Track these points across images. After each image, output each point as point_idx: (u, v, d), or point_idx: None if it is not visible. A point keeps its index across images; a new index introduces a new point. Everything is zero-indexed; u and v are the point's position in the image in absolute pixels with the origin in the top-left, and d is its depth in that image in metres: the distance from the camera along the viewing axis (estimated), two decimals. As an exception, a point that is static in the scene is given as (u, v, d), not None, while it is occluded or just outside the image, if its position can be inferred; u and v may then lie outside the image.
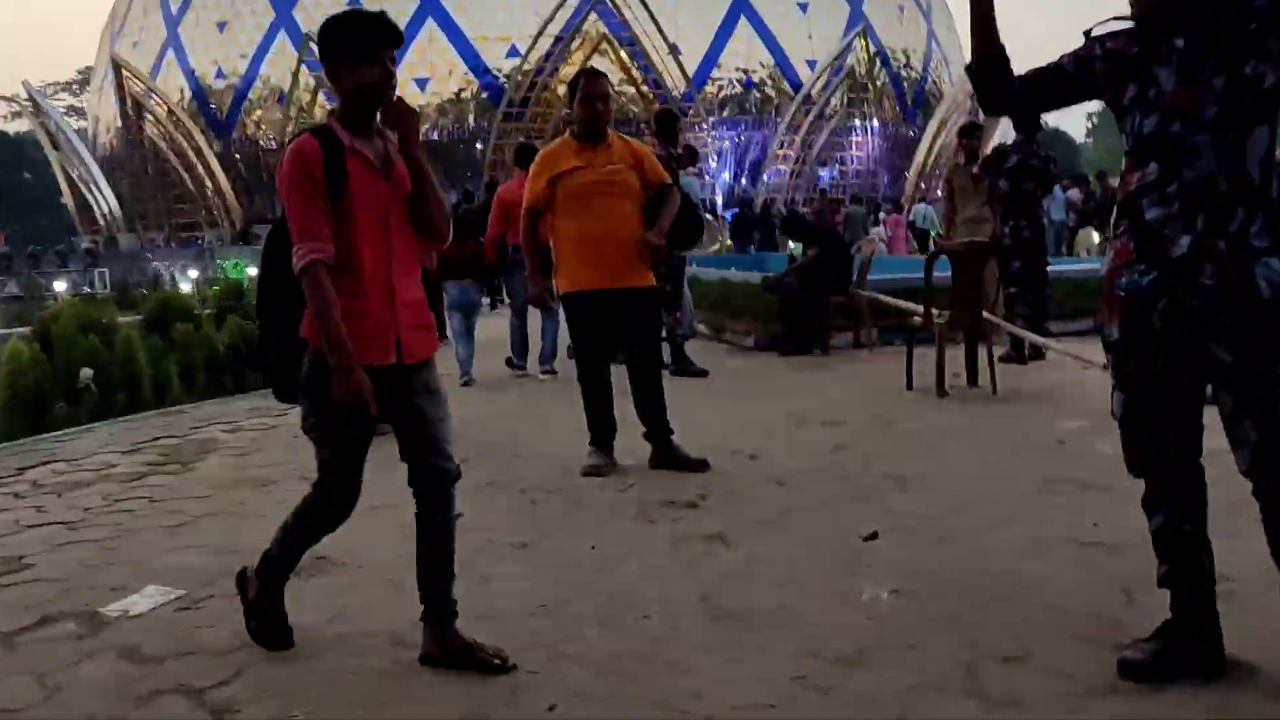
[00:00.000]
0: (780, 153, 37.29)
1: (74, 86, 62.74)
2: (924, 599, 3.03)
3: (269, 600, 2.91)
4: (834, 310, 8.55)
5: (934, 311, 6.33)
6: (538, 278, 4.97)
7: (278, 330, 2.76)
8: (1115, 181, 12.40)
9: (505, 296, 10.29)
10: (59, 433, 6.27)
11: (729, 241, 23.42)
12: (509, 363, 8.27)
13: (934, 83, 43.95)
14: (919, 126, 41.80)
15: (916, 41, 43.41)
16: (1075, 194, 17.99)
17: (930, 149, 40.42)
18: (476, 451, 5.17)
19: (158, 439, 5.97)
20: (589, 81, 4.66)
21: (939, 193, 39.03)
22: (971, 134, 8.82)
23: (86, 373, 7.00)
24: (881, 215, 23.10)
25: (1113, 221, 2.55)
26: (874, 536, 3.61)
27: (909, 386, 6.50)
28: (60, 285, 17.68)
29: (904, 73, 42.62)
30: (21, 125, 54.74)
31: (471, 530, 3.91)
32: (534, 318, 7.93)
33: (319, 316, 2.50)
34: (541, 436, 5.69)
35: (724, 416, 5.93)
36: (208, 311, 15.78)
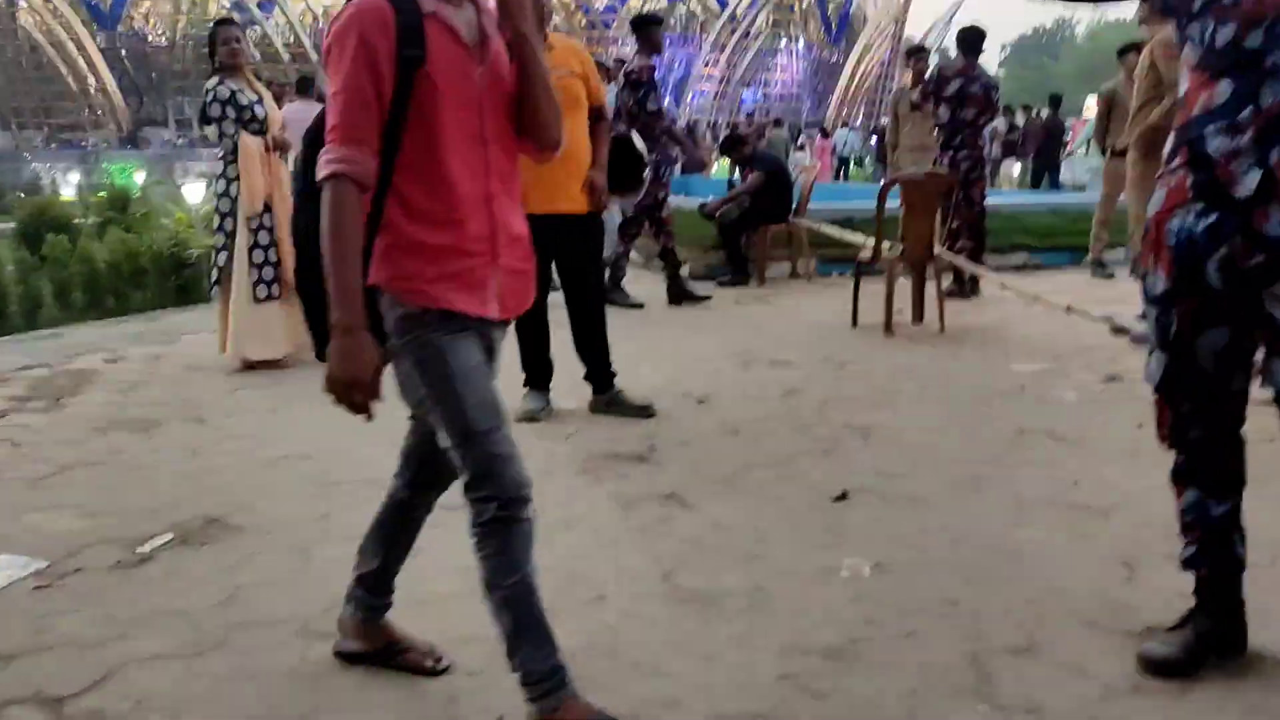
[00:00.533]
0: (706, 72, 36.51)
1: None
2: (911, 575, 2.71)
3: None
4: (771, 239, 8.17)
5: (884, 244, 5.98)
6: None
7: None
8: (1038, 114, 11.99)
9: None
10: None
11: None
12: None
13: (859, 6, 43.45)
14: (843, 50, 41.41)
15: (842, -38, 42.74)
16: (1000, 124, 17.88)
17: (853, 74, 40.14)
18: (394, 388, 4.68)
19: (25, 368, 5.27)
20: None
21: (856, 121, 39.03)
22: (919, 55, 8.42)
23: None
24: (802, 139, 22.69)
25: (1166, 152, 2.17)
26: (844, 497, 3.28)
27: (854, 323, 6.18)
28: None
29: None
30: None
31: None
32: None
33: (331, 253, 1.77)
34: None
35: (665, 353, 5.52)
36: (92, 220, 14.70)
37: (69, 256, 7.19)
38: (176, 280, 7.61)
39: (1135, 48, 8.10)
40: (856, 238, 7.20)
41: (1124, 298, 6.69)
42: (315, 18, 36.44)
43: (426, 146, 1.83)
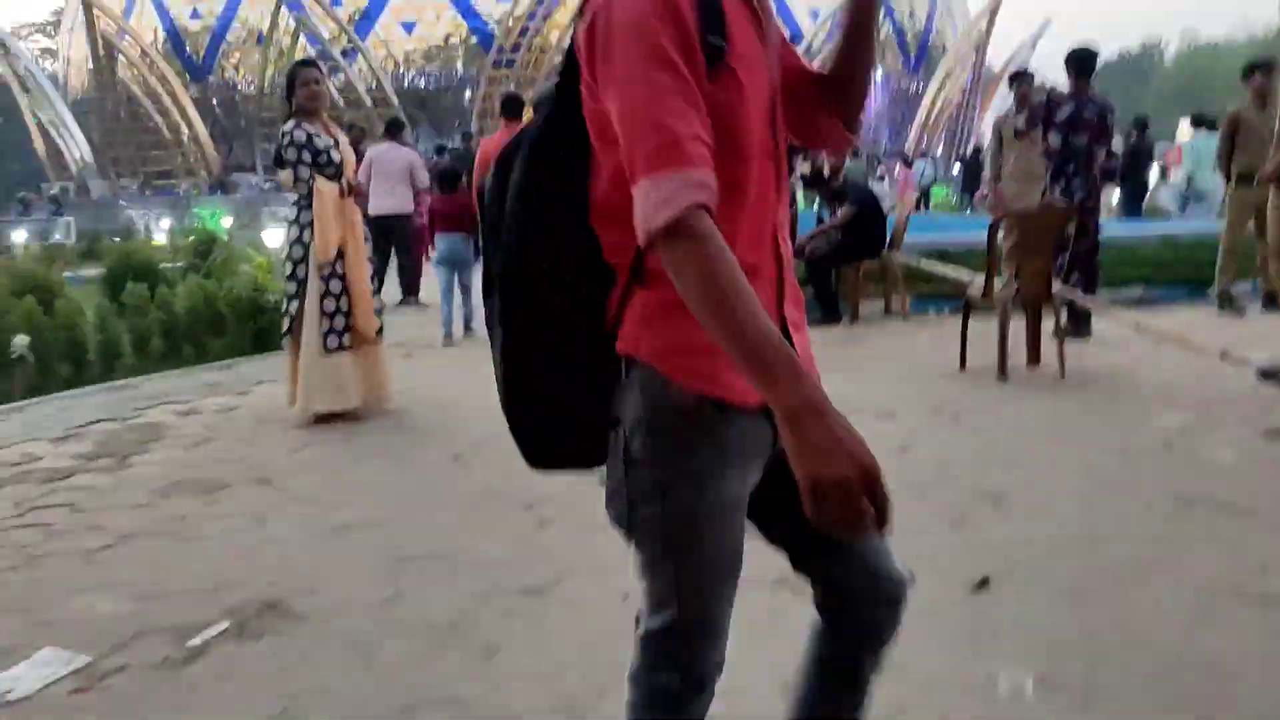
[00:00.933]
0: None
1: (48, 28, 60.62)
2: (1084, 694, 2.24)
3: None
4: (863, 275, 7.72)
5: (996, 281, 5.49)
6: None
7: (546, 348, 1.37)
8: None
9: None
10: (-17, 413, 5.41)
11: None
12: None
13: (938, 34, 42.73)
14: (922, 80, 40.71)
15: (920, -8, 42.13)
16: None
17: (933, 103, 39.37)
18: (475, 445, 4.37)
19: (95, 422, 5.11)
20: None
21: (937, 151, 38.22)
22: (1022, 81, 7.93)
23: (20, 340, 6.13)
24: (881, 169, 22.10)
25: None
26: (985, 584, 2.82)
27: (962, 366, 5.69)
28: (19, 235, 16.51)
29: (907, 24, 41.38)
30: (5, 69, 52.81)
31: (465, 561, 3.13)
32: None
33: (733, 314, 1.10)
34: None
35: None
36: (179, 264, 14.87)
37: (150, 304, 7.07)
38: (255, 325, 7.45)
39: (1262, 68, 7.49)
40: (960, 273, 6.71)
41: (1260, 336, 6.09)
42: (397, 63, 37.20)
43: (721, 167, 1.18)
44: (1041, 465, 3.98)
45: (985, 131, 44.87)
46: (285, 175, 5.05)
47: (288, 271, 5.01)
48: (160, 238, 22.04)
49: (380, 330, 5.21)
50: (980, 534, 3.24)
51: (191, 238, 16.24)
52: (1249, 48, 54.45)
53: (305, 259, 4.91)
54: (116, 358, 6.78)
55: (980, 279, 5.78)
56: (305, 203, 4.91)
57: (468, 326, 7.49)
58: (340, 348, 4.94)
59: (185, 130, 36.32)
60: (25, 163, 42.64)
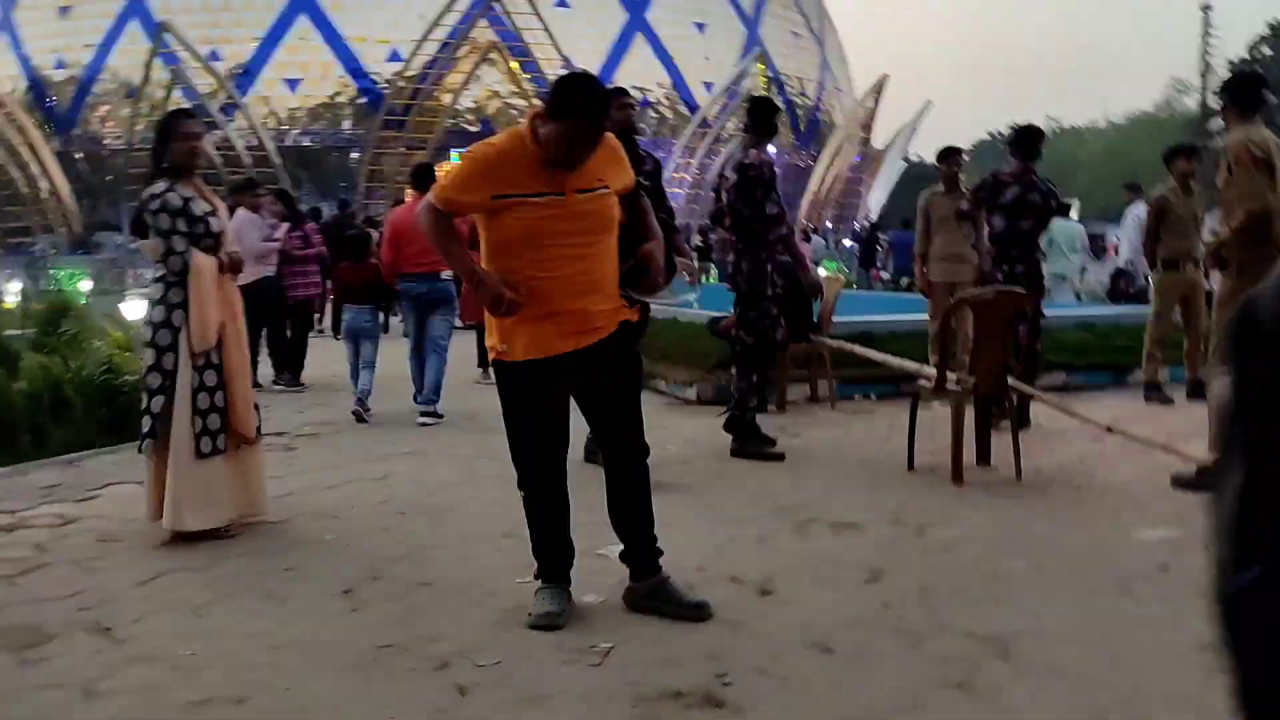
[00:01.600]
0: (676, 176, 36.35)
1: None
2: None
3: None
4: (789, 359, 7.28)
5: (950, 375, 5.08)
6: (484, 278, 3.09)
7: None
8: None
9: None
10: None
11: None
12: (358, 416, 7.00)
13: (826, 111, 43.98)
14: (812, 155, 41.68)
15: (810, 69, 43.40)
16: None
17: (823, 178, 40.29)
18: (369, 574, 3.65)
19: (-108, 544, 4.14)
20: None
21: (826, 224, 39.00)
22: (950, 159, 7.72)
23: None
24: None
25: None
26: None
27: (910, 466, 5.25)
28: None
29: (798, 100, 42.46)
30: None
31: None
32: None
33: None
34: (458, 543, 4.16)
35: (693, 512, 4.52)
36: (29, 332, 13.46)
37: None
38: (106, 413, 6.48)
39: (1185, 152, 7.46)
40: (898, 362, 6.32)
41: (1197, 427, 5.82)
42: (280, 121, 35.97)
43: None
44: (1032, 596, 3.49)
45: (873, 207, 46.23)
46: (151, 245, 4.27)
47: (149, 360, 4.19)
48: (11, 300, 20.29)
49: (259, 428, 4.45)
50: (999, 701, 2.69)
51: (42, 305, 14.87)
52: (1109, 131, 58.09)
53: (174, 346, 4.13)
54: (-65, 453, 5.74)
55: (928, 369, 5.38)
56: (175, 279, 4.15)
57: (365, 408, 6.99)
58: (215, 451, 4.16)
59: (45, 185, 34.12)
60: None
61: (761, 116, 5.65)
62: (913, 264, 8.84)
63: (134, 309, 8.91)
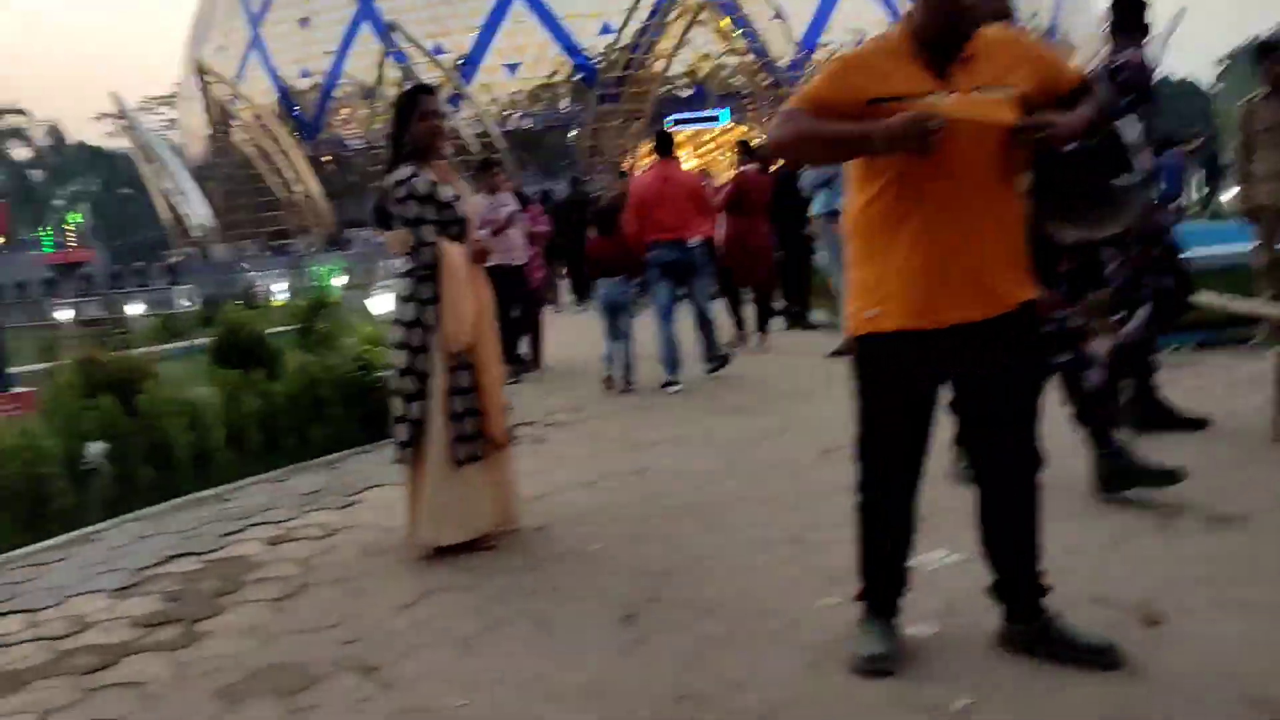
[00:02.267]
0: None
1: (174, 100, 63.42)
2: None
3: None
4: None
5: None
6: (886, 123, 2.27)
7: None
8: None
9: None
10: (42, 546, 4.45)
11: None
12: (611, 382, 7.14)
13: (1063, 33, 40.28)
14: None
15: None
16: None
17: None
18: (646, 594, 3.16)
19: (170, 559, 4.10)
20: None
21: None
22: (1272, 54, 6.36)
23: (95, 449, 5.21)
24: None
25: None
26: None
27: (1277, 435, 4.22)
28: (136, 307, 16.28)
29: (1030, 24, 39.07)
30: (126, 142, 55.29)
31: None
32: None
33: None
34: (739, 551, 3.61)
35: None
36: (292, 327, 14.23)
37: (249, 390, 6.14)
38: (361, 410, 6.44)
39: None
40: (1246, 303, 5.22)
41: None
42: (501, 106, 36.98)
43: None
44: None
45: (1123, 131, 41.76)
46: (398, 237, 3.88)
47: (402, 363, 3.82)
48: (280, 297, 21.88)
49: (511, 430, 4.09)
50: None
51: (304, 301, 15.74)
52: None
53: (426, 346, 3.79)
54: (209, 458, 5.84)
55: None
56: (425, 272, 3.80)
57: (628, 382, 7.09)
58: (472, 458, 3.82)
59: (299, 189, 36.80)
60: (158, 231, 44.09)
61: (1129, 9, 4.48)
62: (1182, 190, 7.55)
63: (379, 303, 9.01)
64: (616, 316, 7.12)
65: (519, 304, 7.90)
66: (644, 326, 7.35)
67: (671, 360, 6.99)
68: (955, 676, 2.55)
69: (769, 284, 9.11)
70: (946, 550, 3.25)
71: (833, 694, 2.53)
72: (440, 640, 3.06)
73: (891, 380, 2.51)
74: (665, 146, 7.37)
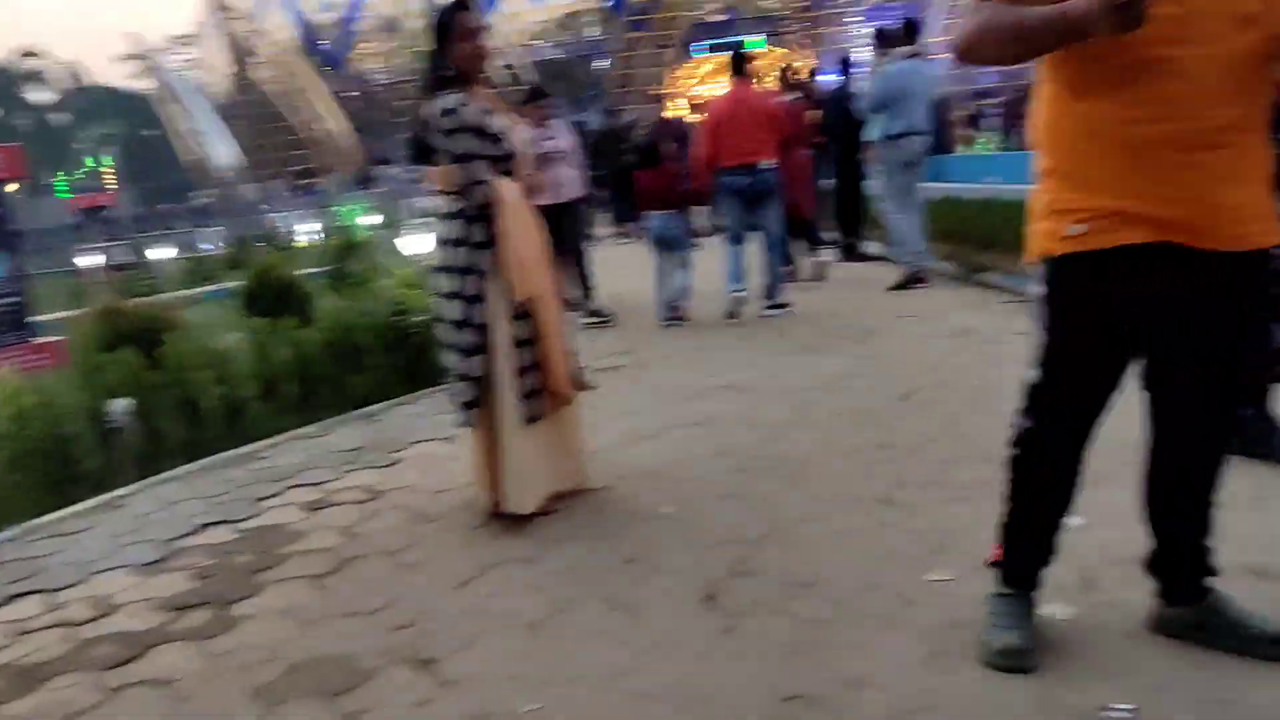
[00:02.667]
0: (941, 39, 33.10)
1: (196, 39, 62.58)
2: None
3: None
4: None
5: None
6: None
7: None
8: None
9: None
10: (66, 513, 4.16)
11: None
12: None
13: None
14: None
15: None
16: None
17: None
18: (731, 567, 2.78)
19: (200, 529, 3.78)
20: None
21: None
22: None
23: (120, 405, 4.89)
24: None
25: None
26: None
27: None
28: (163, 251, 15.97)
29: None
30: (149, 83, 54.67)
31: None
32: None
33: None
34: (827, 513, 3.22)
35: (1129, 464, 3.32)
36: (324, 269, 13.90)
37: (283, 337, 5.80)
38: (402, 356, 6.08)
39: None
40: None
41: None
42: (528, 36, 36.01)
43: None
44: None
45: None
46: (445, 172, 3.38)
47: (456, 314, 3.39)
48: (307, 239, 21.53)
49: (583, 379, 3.74)
50: None
51: (334, 241, 15.38)
52: None
53: (482, 295, 3.38)
54: (241, 412, 5.52)
55: None
56: (476, 213, 3.37)
57: (678, 312, 7.01)
58: (539, 416, 3.46)
59: (324, 126, 36.23)
60: (171, 175, 43.75)
61: None
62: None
63: (412, 243, 8.60)
64: (669, 250, 6.95)
65: (573, 242, 7.43)
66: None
67: (737, 273, 6.95)
68: (1108, 672, 2.17)
69: (807, 211, 8.62)
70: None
71: (967, 696, 2.15)
72: (503, 626, 2.72)
73: (1091, 309, 2.03)
74: (740, 66, 6.99)
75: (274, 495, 4.11)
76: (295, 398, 5.86)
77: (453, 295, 3.39)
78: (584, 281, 7.73)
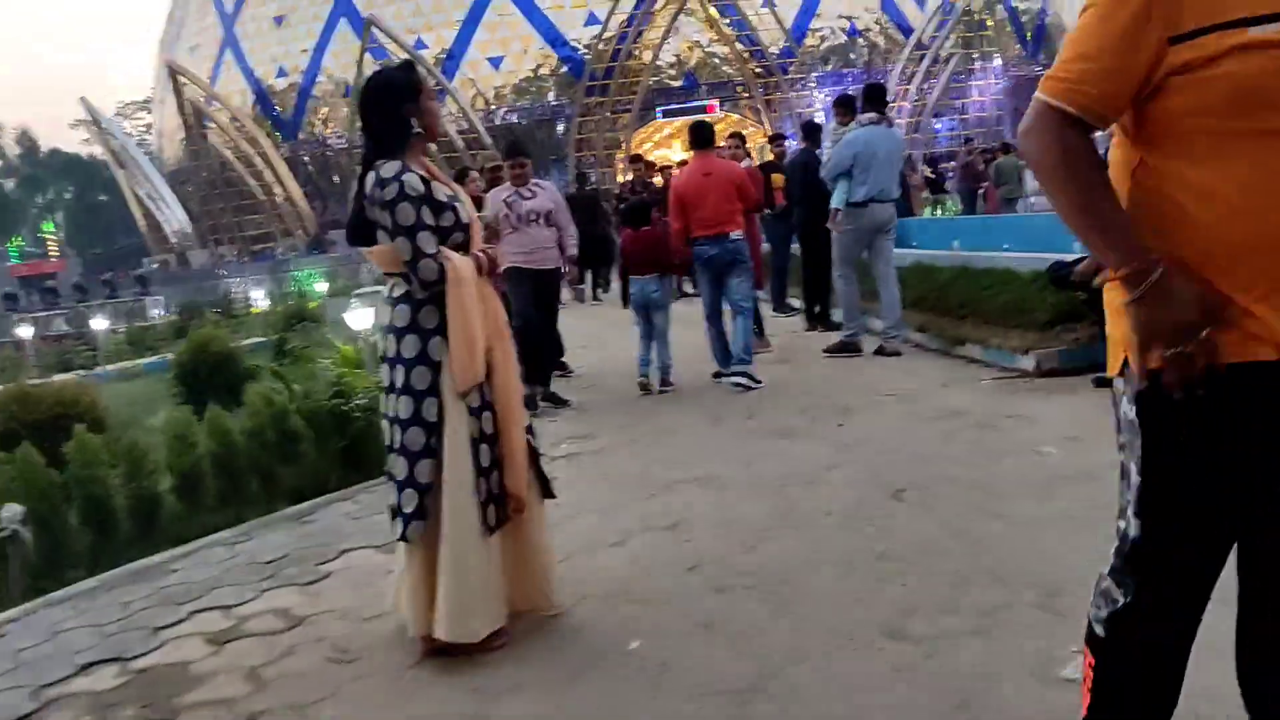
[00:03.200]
0: (894, 105, 33.57)
1: (150, 104, 62.14)
2: None
3: None
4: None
5: None
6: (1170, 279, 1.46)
7: None
8: None
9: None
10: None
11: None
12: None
13: (1056, 14, 39.46)
14: (1042, 64, 37.52)
15: (1032, -31, 39.03)
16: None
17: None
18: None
19: (92, 665, 3.19)
20: None
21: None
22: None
23: (11, 512, 4.30)
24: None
25: None
26: None
27: None
28: (100, 321, 15.21)
29: (1020, 5, 38.27)
30: (99, 149, 53.99)
31: None
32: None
33: None
34: (824, 652, 2.73)
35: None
36: (268, 339, 13.30)
37: (206, 429, 5.24)
38: (339, 443, 5.55)
39: None
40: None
41: None
42: (487, 101, 35.98)
43: None
44: None
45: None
46: (389, 250, 2.95)
47: (404, 412, 2.93)
48: (262, 304, 20.93)
49: (548, 484, 3.26)
50: None
51: (281, 309, 14.79)
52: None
53: (435, 389, 2.92)
54: (155, 510, 4.94)
55: None
56: (424, 295, 2.94)
57: (665, 381, 6.74)
58: (500, 522, 3.02)
59: (279, 191, 35.72)
60: (136, 238, 42.91)
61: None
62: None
63: (359, 318, 8.09)
64: (651, 315, 6.75)
65: (546, 314, 6.89)
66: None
67: (723, 354, 6.76)
68: None
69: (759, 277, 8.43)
70: None
71: None
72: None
73: (1206, 443, 1.52)
74: (702, 139, 6.94)
75: (177, 622, 3.54)
76: (218, 493, 5.30)
77: (401, 390, 2.94)
78: (550, 360, 7.22)
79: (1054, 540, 3.37)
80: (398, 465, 2.97)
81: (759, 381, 6.49)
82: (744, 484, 4.46)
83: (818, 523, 3.84)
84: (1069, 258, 5.64)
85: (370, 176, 2.94)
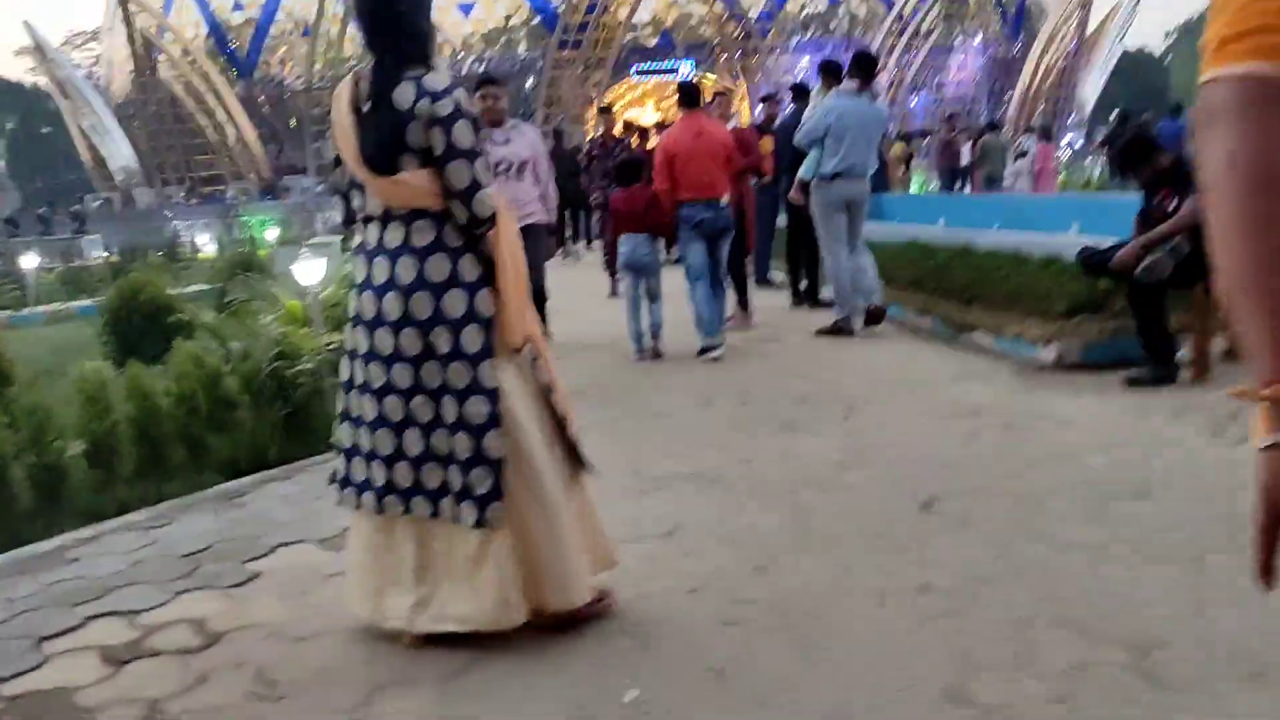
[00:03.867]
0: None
1: (100, 34, 59.54)
2: None
3: None
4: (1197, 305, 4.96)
5: None
6: None
7: None
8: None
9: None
10: None
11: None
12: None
13: (1035, -3, 39.11)
14: (1023, 44, 37.20)
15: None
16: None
17: (1036, 69, 35.84)
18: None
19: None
20: None
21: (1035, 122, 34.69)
22: None
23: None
24: (1026, 145, 18.98)
25: None
26: None
27: None
28: (31, 259, 14.10)
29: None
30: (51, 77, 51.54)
31: None
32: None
33: None
34: (872, 703, 2.19)
35: (1231, 586, 2.36)
36: (208, 287, 12.49)
37: (100, 390, 4.55)
38: (281, 410, 4.90)
39: None
40: None
41: None
42: (454, 50, 34.74)
43: None
44: None
45: (1089, 98, 41.24)
46: (424, 178, 2.45)
47: (462, 382, 2.49)
48: (211, 250, 19.94)
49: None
50: None
51: (228, 257, 13.96)
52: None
53: (489, 349, 2.52)
54: (62, 482, 4.27)
55: None
56: (461, 238, 2.53)
57: (656, 350, 6.48)
58: (577, 472, 2.80)
59: (231, 132, 34.26)
60: (66, 175, 41.18)
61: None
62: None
63: (309, 270, 7.38)
64: (642, 278, 6.44)
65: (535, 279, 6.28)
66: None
67: (710, 324, 6.36)
68: None
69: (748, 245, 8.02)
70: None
71: None
72: None
73: None
74: (691, 98, 6.52)
75: (69, 631, 2.91)
76: (137, 462, 4.63)
77: (463, 358, 2.48)
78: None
79: (1122, 575, 2.86)
80: (462, 443, 2.49)
81: (720, 346, 6.32)
82: (747, 485, 3.90)
83: (840, 539, 3.28)
84: (1106, 242, 5.12)
85: (406, 88, 2.40)
